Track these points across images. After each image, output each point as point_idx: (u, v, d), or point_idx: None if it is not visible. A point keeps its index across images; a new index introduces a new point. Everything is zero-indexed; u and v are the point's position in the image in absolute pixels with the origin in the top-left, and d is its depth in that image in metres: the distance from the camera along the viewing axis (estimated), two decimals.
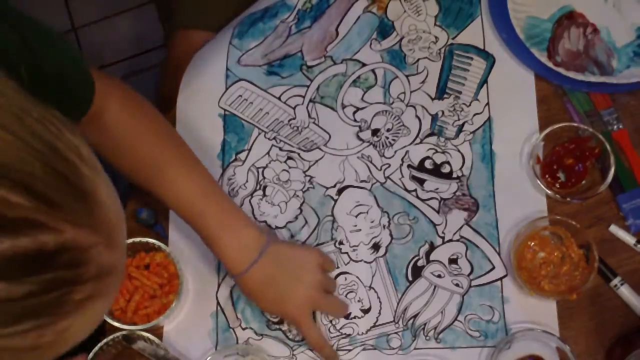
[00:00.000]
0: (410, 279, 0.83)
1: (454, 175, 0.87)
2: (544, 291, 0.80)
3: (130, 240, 0.83)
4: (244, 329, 0.84)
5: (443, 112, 0.89)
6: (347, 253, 0.85)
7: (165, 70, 1.12)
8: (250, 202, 0.88)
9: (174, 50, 1.10)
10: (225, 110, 0.92)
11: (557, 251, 0.81)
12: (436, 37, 0.92)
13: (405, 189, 0.86)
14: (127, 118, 0.77)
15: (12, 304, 0.37)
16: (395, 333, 0.82)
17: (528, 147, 0.86)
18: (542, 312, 0.80)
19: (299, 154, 0.89)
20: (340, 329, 0.83)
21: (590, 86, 0.87)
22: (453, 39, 0.92)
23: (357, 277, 0.84)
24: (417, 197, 0.86)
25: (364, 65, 0.92)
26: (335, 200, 0.87)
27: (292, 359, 0.82)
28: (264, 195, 0.88)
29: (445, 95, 0.90)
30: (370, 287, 0.84)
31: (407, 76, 0.91)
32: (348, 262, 0.85)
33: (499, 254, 0.83)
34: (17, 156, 0.37)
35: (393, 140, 0.88)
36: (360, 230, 0.85)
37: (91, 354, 0.80)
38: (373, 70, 0.91)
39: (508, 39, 0.89)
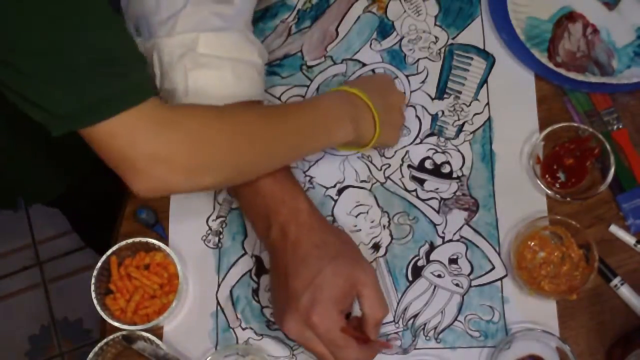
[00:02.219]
0: (410, 279, 0.83)
1: (454, 175, 0.87)
2: (544, 291, 0.80)
3: (130, 240, 0.83)
4: (244, 329, 0.84)
5: (443, 112, 0.89)
6: None
7: None
8: None
9: None
10: None
11: (557, 251, 0.81)
12: (436, 37, 0.92)
13: (405, 189, 0.87)
14: None
15: None
16: (395, 333, 0.82)
17: (528, 147, 0.86)
18: (542, 312, 0.80)
19: None
20: None
21: (591, 86, 0.87)
22: (453, 39, 0.92)
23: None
24: (417, 197, 0.86)
25: (364, 65, 0.92)
26: (335, 201, 0.87)
27: (292, 359, 0.82)
28: None
29: (445, 95, 0.90)
30: None
31: (407, 76, 0.91)
32: None
33: (499, 254, 0.83)
34: None
35: None
36: (360, 230, 0.85)
37: (91, 354, 0.80)
38: (373, 70, 0.91)
39: (508, 39, 0.89)
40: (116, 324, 0.80)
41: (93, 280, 0.81)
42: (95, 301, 0.80)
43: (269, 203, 0.74)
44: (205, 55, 0.73)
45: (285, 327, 0.71)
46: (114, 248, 0.83)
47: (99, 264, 0.82)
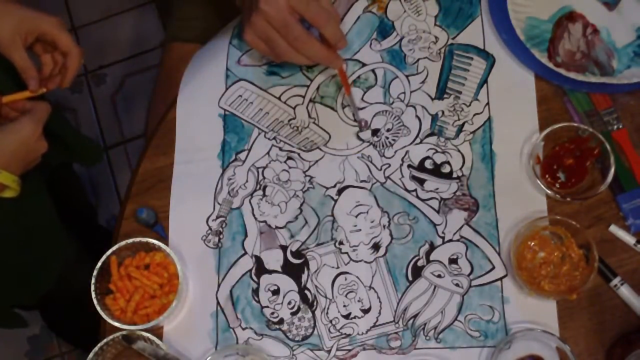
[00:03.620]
0: (410, 279, 0.84)
1: (454, 175, 0.87)
2: (544, 291, 0.80)
3: (130, 241, 0.83)
4: (244, 329, 0.84)
5: (443, 112, 0.89)
6: (347, 253, 0.85)
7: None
8: (250, 202, 0.88)
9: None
10: (225, 110, 0.92)
11: (557, 251, 0.81)
12: (436, 37, 0.92)
13: (406, 189, 0.87)
14: None
15: None
16: (395, 333, 0.82)
17: (528, 147, 0.86)
18: (542, 312, 0.80)
19: (299, 154, 0.89)
20: (340, 329, 0.83)
21: (591, 87, 0.87)
22: (453, 39, 0.92)
23: (357, 277, 0.84)
24: (417, 197, 0.86)
25: (364, 65, 0.92)
26: (335, 200, 0.87)
27: (292, 359, 0.82)
28: (264, 195, 0.88)
29: (445, 95, 0.90)
30: (370, 287, 0.84)
31: (407, 76, 0.91)
32: (348, 262, 0.85)
33: (499, 254, 0.83)
34: None
35: (393, 140, 0.88)
36: (360, 230, 0.85)
37: (91, 354, 0.80)
38: (373, 70, 0.91)
39: (508, 39, 0.89)
40: (116, 324, 0.80)
41: (93, 280, 0.81)
42: (95, 301, 0.80)
43: None
44: None
45: (247, 35, 0.81)
46: (114, 248, 0.83)
47: (99, 264, 0.82)
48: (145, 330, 0.81)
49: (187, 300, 0.85)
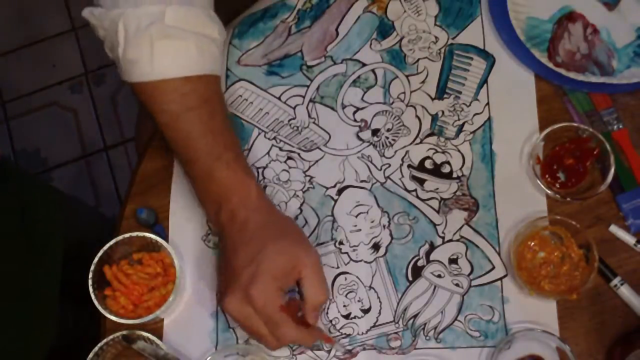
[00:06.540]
0: (410, 279, 0.84)
1: (454, 175, 0.87)
2: (544, 291, 0.80)
3: (127, 235, 0.82)
4: None
5: (443, 112, 0.89)
6: (347, 253, 0.85)
7: None
8: None
9: None
10: None
11: (557, 251, 0.81)
12: (436, 37, 0.92)
13: (406, 189, 0.87)
14: None
15: None
16: (395, 333, 0.82)
17: (528, 147, 0.86)
18: (542, 312, 0.80)
19: (299, 154, 0.89)
20: (340, 329, 0.83)
21: (591, 87, 0.87)
22: (453, 39, 0.92)
23: (357, 277, 0.84)
24: (417, 197, 0.86)
25: (364, 65, 0.92)
26: (335, 200, 0.87)
27: (292, 359, 0.82)
28: None
29: (445, 95, 0.90)
30: (370, 287, 0.84)
31: (407, 76, 0.91)
32: (348, 262, 0.85)
33: (499, 254, 0.83)
34: None
35: (393, 140, 0.89)
36: (360, 230, 0.85)
37: (91, 354, 0.80)
38: (373, 70, 0.91)
39: (508, 39, 0.89)
40: (114, 318, 0.80)
41: (90, 282, 0.80)
42: (95, 302, 0.80)
43: (222, 190, 0.77)
44: (172, 27, 0.75)
45: (226, 304, 0.73)
46: (111, 243, 0.82)
47: (92, 266, 0.81)
48: (146, 323, 0.80)
49: (185, 292, 0.84)
